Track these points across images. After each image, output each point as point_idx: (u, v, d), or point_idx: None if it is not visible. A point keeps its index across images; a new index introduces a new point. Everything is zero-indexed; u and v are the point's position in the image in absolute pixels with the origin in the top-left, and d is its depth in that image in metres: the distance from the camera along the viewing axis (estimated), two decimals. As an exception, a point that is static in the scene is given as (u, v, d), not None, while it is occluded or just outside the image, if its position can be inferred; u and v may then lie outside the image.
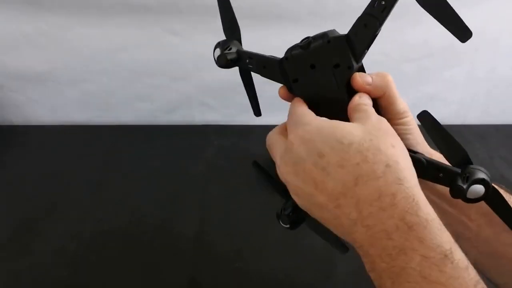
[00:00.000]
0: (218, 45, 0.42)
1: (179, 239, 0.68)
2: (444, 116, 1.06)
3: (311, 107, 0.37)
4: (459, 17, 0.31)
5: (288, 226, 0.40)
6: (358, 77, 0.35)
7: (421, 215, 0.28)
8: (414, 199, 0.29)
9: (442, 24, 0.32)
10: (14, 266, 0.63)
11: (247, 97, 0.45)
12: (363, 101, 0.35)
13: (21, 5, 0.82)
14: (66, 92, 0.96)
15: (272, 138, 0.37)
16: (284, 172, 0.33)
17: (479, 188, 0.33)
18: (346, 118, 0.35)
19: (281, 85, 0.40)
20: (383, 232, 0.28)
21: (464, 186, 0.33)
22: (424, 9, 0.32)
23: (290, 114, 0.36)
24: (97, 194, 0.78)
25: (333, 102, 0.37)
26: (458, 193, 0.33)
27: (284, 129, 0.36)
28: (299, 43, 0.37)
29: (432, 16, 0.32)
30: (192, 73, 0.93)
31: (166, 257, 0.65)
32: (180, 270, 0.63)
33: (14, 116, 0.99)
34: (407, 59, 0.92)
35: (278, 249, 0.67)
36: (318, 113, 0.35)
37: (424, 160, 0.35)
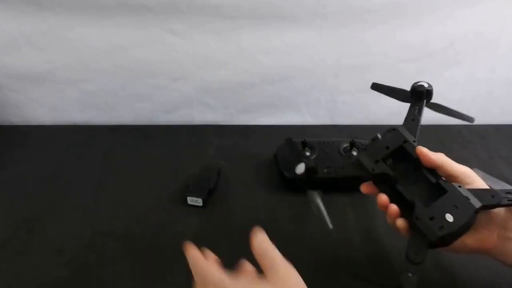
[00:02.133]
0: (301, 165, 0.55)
1: (179, 239, 0.68)
2: (444, 116, 1.06)
3: (389, 184, 0.50)
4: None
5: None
6: (421, 147, 0.50)
7: None
8: None
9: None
10: (14, 266, 0.63)
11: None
12: (266, 246, 0.42)
13: (21, 5, 0.82)
14: (66, 92, 0.96)
15: None
16: None
17: None
18: (419, 176, 0.50)
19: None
20: None
21: None
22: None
23: (206, 275, 0.42)
24: (97, 194, 0.78)
25: (409, 170, 0.51)
26: None
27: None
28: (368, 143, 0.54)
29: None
30: (192, 73, 0.93)
31: (166, 257, 0.65)
32: (180, 270, 0.63)
33: (14, 116, 0.99)
34: (407, 59, 0.92)
35: (278, 249, 0.67)
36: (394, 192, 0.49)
37: (503, 192, 0.45)
